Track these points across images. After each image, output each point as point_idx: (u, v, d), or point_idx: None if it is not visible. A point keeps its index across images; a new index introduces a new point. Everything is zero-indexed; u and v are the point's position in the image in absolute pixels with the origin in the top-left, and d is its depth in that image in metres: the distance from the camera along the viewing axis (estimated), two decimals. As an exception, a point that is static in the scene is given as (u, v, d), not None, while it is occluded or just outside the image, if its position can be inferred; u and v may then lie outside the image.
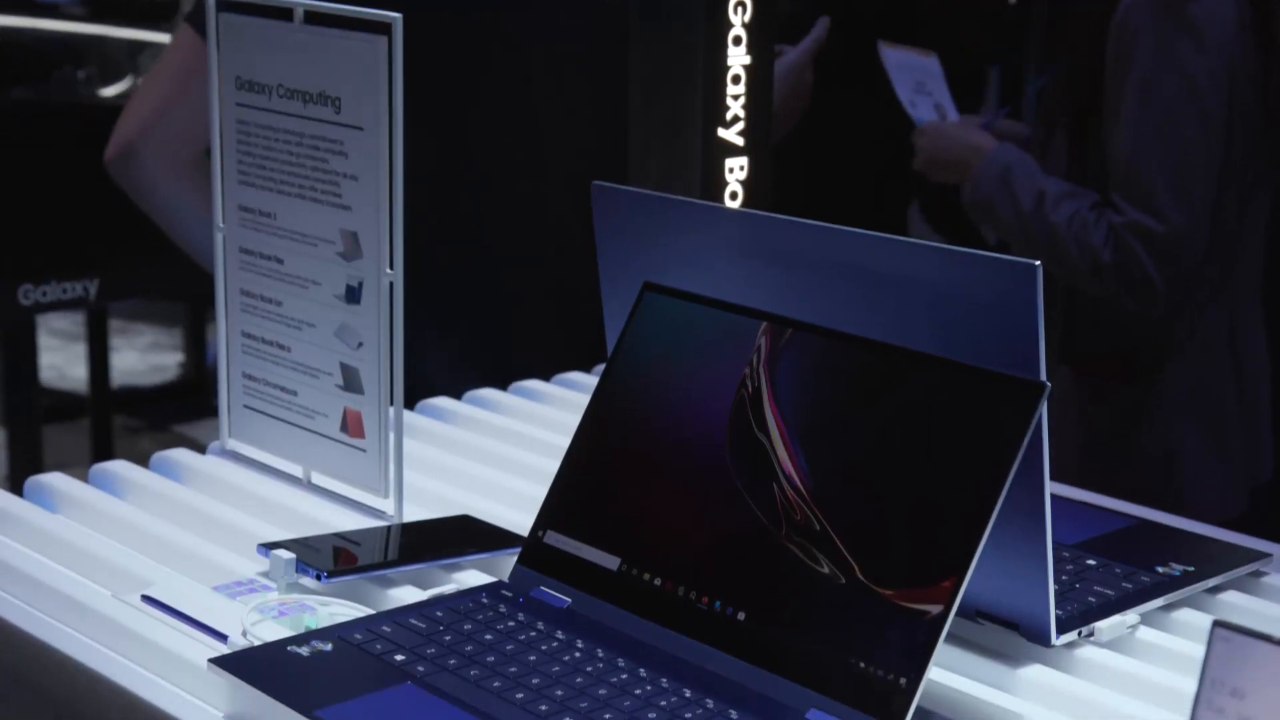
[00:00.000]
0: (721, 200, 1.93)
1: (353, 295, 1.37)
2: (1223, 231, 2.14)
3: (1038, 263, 1.05)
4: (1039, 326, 1.06)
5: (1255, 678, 0.73)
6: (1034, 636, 1.15)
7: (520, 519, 1.34)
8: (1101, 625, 1.18)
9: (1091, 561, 1.28)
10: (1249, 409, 2.23)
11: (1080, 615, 1.19)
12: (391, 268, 1.33)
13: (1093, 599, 1.21)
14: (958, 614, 1.02)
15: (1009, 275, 1.07)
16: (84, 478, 1.47)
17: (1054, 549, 1.11)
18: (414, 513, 1.38)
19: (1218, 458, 2.21)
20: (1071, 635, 1.16)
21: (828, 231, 1.18)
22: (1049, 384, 1.02)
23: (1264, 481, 2.25)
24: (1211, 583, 1.28)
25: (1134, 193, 2.09)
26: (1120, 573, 1.26)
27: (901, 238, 1.14)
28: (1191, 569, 1.28)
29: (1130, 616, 1.20)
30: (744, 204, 1.94)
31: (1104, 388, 2.26)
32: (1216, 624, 0.75)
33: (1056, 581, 1.17)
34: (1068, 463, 2.12)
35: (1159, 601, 1.23)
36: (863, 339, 1.11)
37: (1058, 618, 1.15)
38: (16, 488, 1.45)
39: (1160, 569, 1.28)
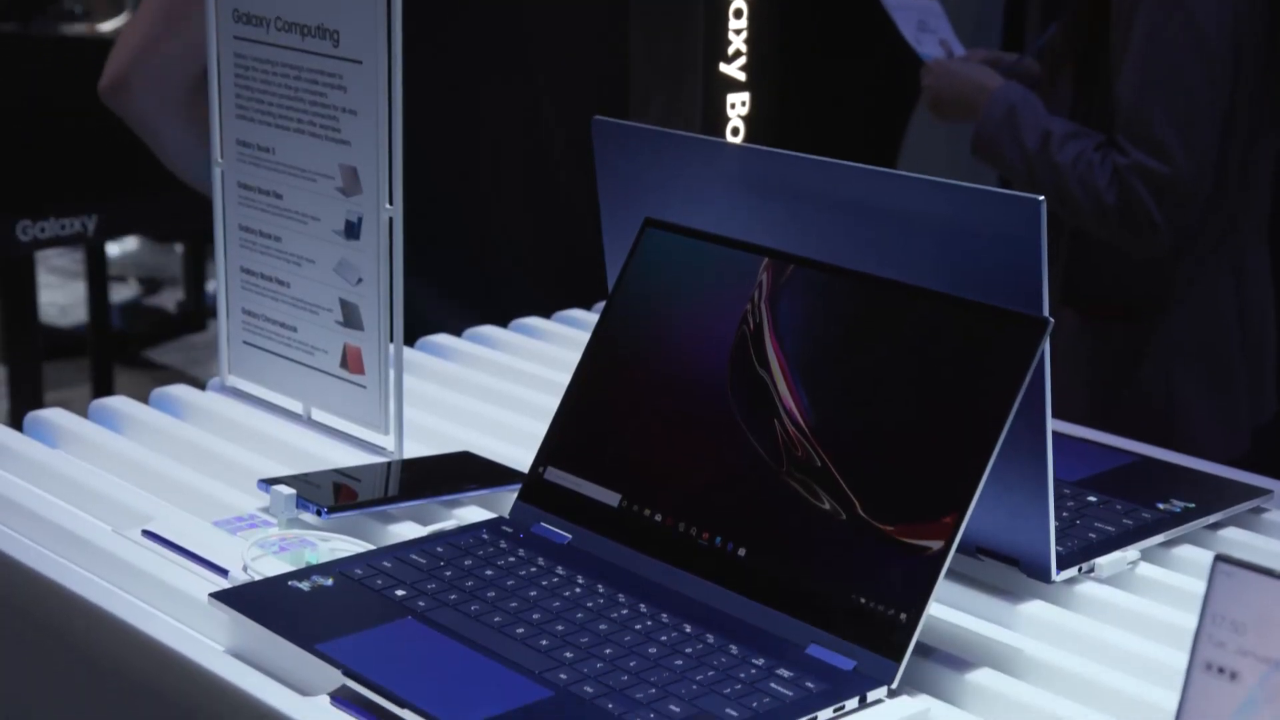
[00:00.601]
0: (723, 135, 1.92)
1: (352, 231, 1.36)
2: (1228, 175, 2.13)
3: (1041, 198, 1.05)
4: (1042, 262, 1.05)
5: (1256, 612, 0.73)
6: (1034, 573, 1.15)
7: (520, 455, 1.34)
8: (1102, 561, 1.18)
9: (1092, 498, 1.28)
10: (1252, 350, 2.22)
11: (1081, 551, 1.19)
12: (391, 203, 1.33)
13: (1093, 535, 1.21)
14: (958, 550, 1.02)
15: (1013, 211, 1.06)
16: (84, 414, 1.46)
17: (1055, 485, 1.11)
18: (414, 449, 1.38)
19: (1221, 398, 2.21)
20: (1072, 571, 1.16)
21: (830, 166, 1.17)
22: (1051, 320, 1.02)
23: (1266, 422, 2.25)
24: (1212, 519, 1.28)
25: (1139, 134, 2.08)
26: (1121, 509, 1.26)
27: (904, 173, 1.13)
28: (1192, 505, 1.28)
29: (1131, 553, 1.21)
30: (745, 139, 1.93)
31: (1108, 330, 2.26)
32: (1218, 558, 0.75)
33: (1057, 518, 1.17)
34: (1071, 405, 2.12)
35: (1159, 538, 1.24)
36: (865, 274, 1.11)
37: (1058, 554, 1.15)
38: (17, 424, 1.45)
39: (1161, 505, 1.28)
